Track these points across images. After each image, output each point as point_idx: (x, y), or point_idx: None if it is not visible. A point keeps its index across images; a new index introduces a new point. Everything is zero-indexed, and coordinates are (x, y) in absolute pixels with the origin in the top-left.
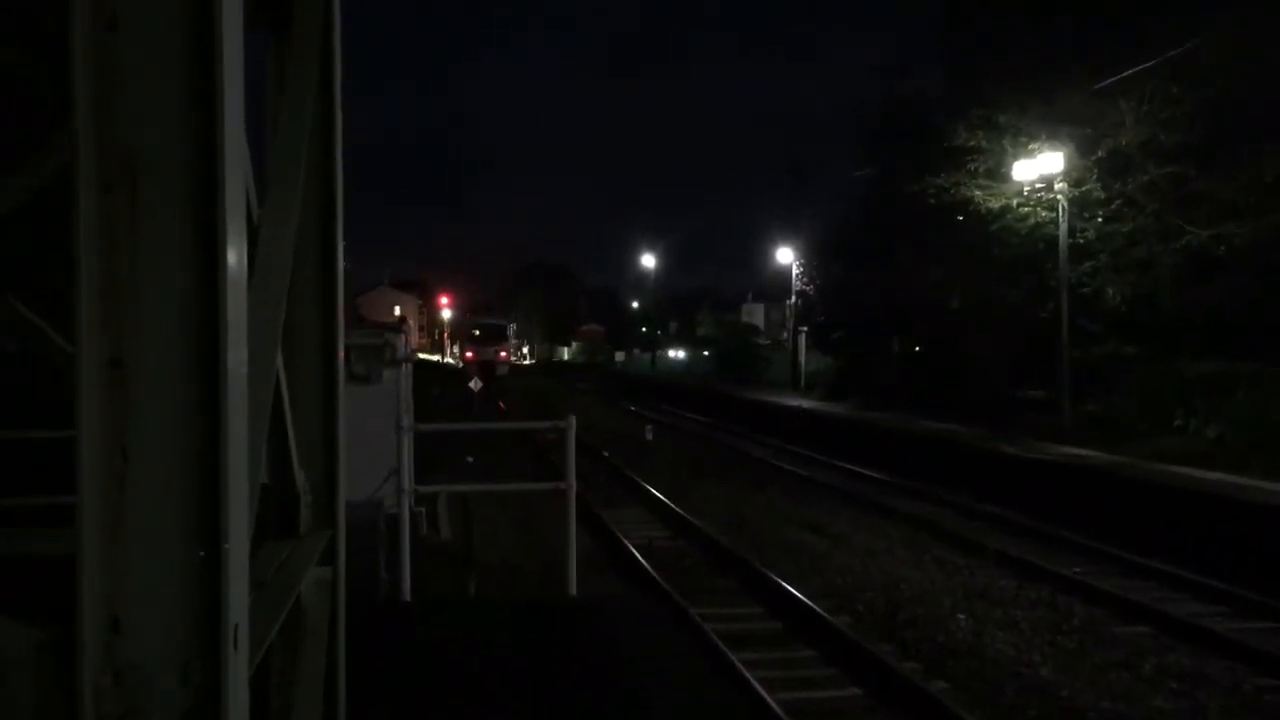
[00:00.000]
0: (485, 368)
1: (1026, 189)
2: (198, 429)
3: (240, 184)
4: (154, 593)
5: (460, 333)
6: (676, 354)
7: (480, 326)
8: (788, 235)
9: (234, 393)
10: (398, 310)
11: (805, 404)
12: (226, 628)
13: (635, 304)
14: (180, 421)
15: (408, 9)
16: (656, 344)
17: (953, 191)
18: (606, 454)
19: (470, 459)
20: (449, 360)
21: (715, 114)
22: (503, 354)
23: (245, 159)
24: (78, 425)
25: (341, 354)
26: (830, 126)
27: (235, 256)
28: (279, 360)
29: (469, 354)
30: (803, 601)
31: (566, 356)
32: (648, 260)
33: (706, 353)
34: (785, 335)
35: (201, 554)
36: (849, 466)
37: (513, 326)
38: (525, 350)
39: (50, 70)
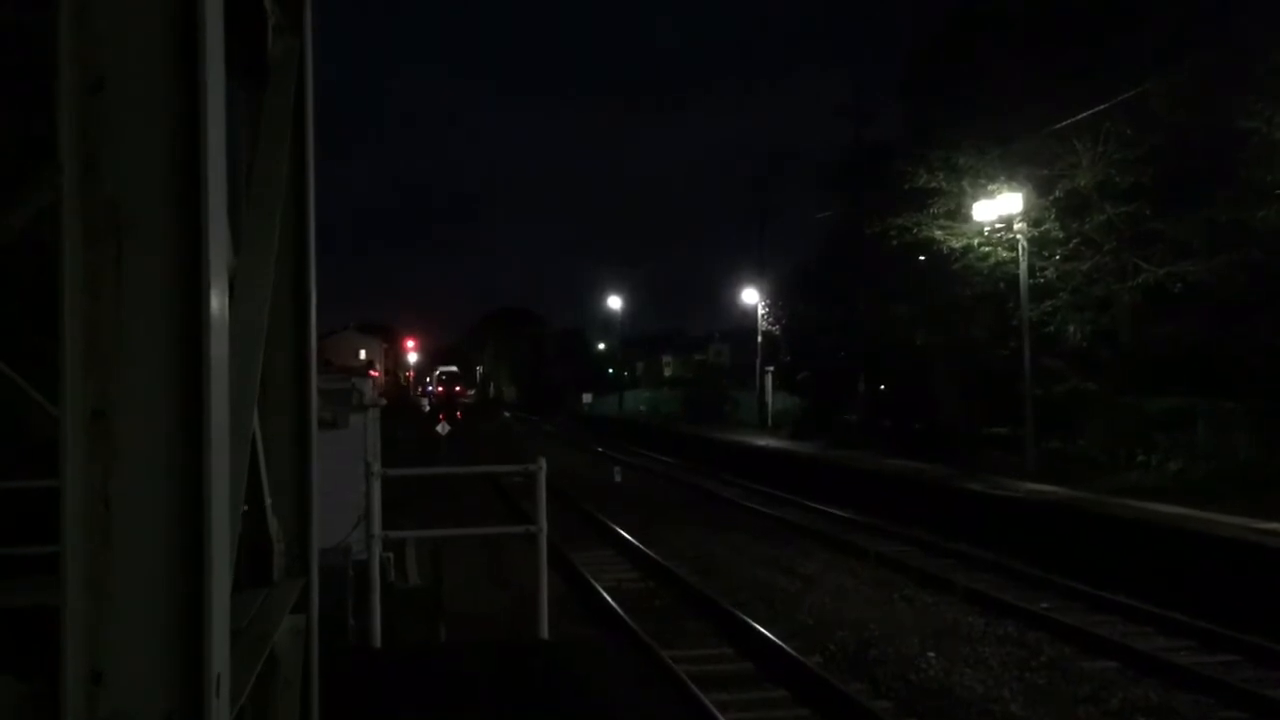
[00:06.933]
0: (450, 397)
1: (987, 229)
2: (180, 480)
3: (223, 240)
4: (136, 643)
5: (433, 376)
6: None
7: (447, 373)
8: (753, 276)
9: (216, 444)
10: (363, 354)
11: (773, 443)
12: (209, 677)
13: (601, 345)
14: (163, 472)
15: (390, 64)
16: (623, 385)
17: (915, 232)
18: (575, 496)
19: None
20: (416, 395)
21: (686, 158)
22: (458, 388)
23: (224, 214)
24: (60, 475)
25: (314, 401)
26: (797, 167)
27: (217, 308)
28: (255, 408)
29: (440, 389)
30: (773, 641)
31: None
32: (614, 302)
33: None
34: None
35: (184, 604)
36: (817, 506)
37: (479, 368)
38: (491, 389)
39: (22, 119)
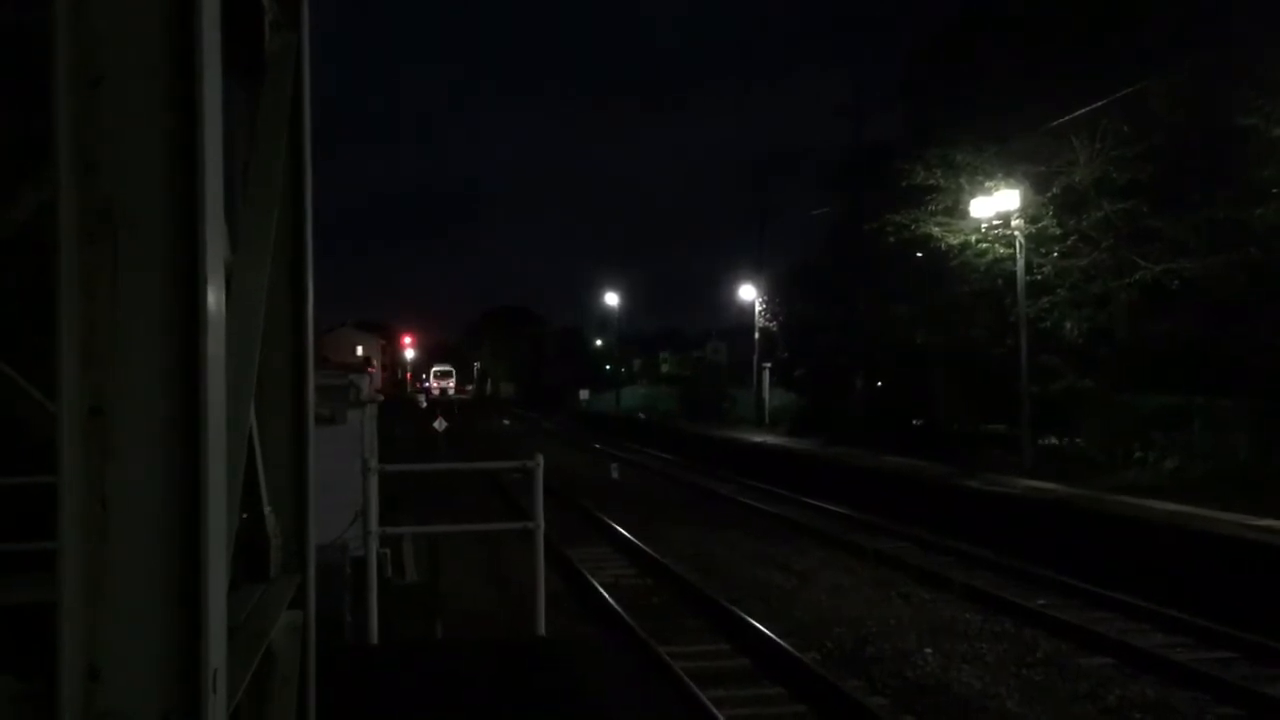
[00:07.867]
0: (443, 391)
1: (984, 226)
2: (177, 477)
3: (220, 236)
4: (133, 640)
5: (430, 374)
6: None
7: (443, 370)
8: (752, 275)
9: (213, 440)
10: (360, 350)
11: (770, 440)
12: (206, 674)
13: (599, 342)
14: (160, 470)
15: (390, 64)
16: (620, 382)
17: (913, 228)
18: (573, 494)
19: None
20: (414, 391)
21: (686, 158)
22: (451, 383)
23: (221, 212)
24: (58, 472)
25: (311, 398)
26: (797, 167)
27: (214, 305)
28: (252, 405)
29: (435, 385)
30: (771, 638)
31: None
32: (611, 299)
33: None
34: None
35: (181, 601)
36: (815, 503)
37: (476, 365)
38: (489, 386)
39: (22, 119)
